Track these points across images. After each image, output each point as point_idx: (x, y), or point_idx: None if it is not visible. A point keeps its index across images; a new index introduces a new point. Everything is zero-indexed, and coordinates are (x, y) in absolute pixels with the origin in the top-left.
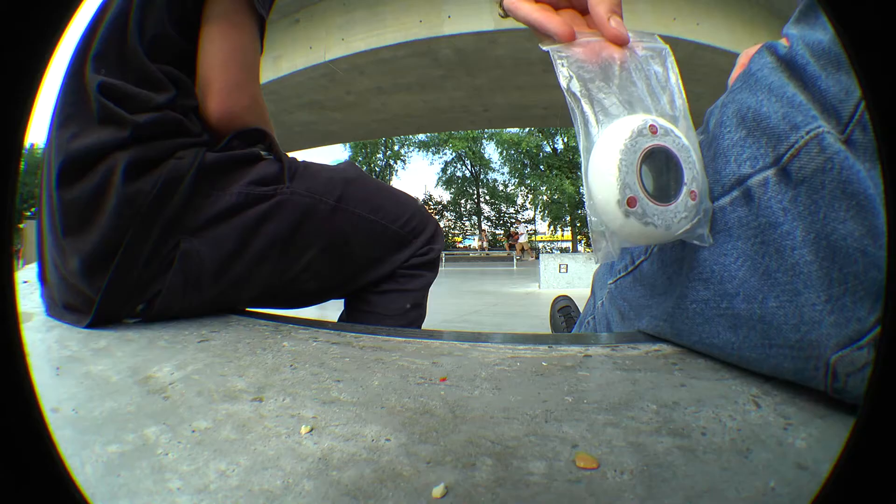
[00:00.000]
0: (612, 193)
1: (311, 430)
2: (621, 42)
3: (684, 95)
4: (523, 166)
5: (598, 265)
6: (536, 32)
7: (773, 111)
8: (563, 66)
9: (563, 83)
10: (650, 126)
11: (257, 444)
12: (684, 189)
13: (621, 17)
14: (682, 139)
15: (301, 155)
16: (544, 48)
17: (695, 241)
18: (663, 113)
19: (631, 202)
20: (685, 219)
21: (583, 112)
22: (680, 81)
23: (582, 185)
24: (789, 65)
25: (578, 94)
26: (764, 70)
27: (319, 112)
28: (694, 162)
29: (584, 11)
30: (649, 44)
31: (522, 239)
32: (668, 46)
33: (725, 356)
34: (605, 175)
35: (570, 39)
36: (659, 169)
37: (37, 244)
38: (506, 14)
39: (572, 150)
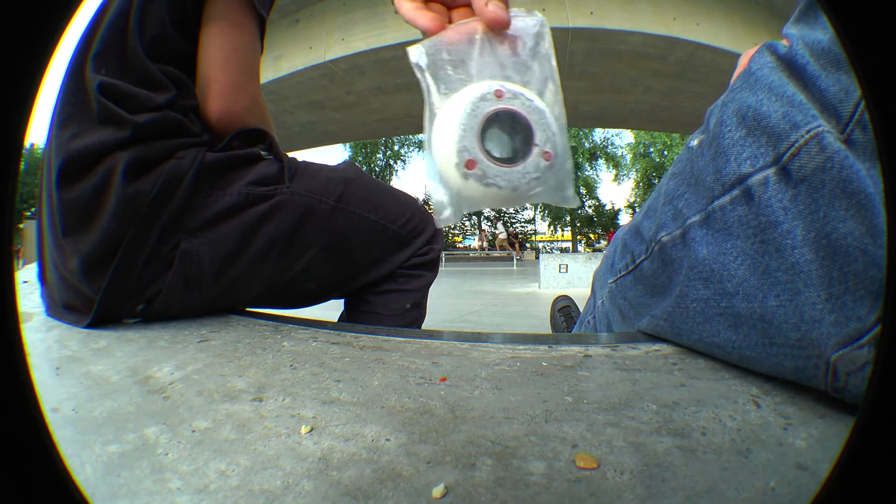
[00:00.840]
0: (451, 157)
1: (311, 430)
2: (501, 26)
3: (555, 64)
4: None
5: (599, 265)
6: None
7: (773, 110)
8: (415, 48)
9: (412, 59)
10: (496, 91)
11: (257, 444)
12: (535, 150)
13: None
14: (535, 102)
15: (301, 155)
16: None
17: (559, 203)
18: (528, 81)
19: (469, 164)
20: (536, 179)
21: (427, 84)
22: (552, 50)
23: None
24: (789, 64)
25: (424, 66)
26: (764, 69)
27: (319, 112)
28: (549, 123)
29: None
30: (524, 18)
31: (502, 236)
32: (545, 18)
33: (725, 355)
34: (444, 140)
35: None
36: (510, 132)
37: (37, 244)
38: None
39: (572, 150)
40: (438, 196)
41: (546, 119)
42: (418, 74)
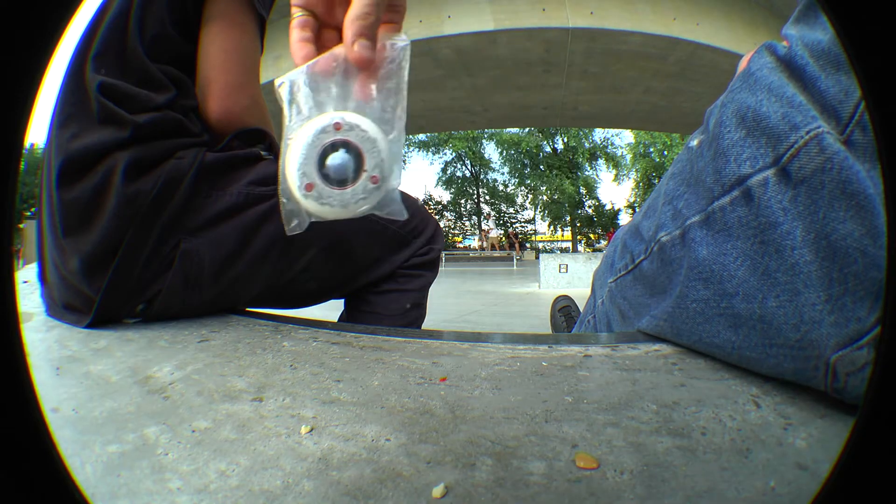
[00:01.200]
0: (294, 180)
1: (311, 430)
2: (364, 65)
3: (405, 93)
4: (523, 166)
5: (599, 264)
6: None
7: (773, 111)
8: (281, 80)
9: (277, 90)
10: (335, 124)
11: (257, 444)
12: (364, 175)
13: (371, 37)
14: (369, 133)
15: None
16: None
17: (387, 215)
18: (375, 111)
19: (308, 187)
20: (364, 199)
21: (286, 114)
22: (406, 77)
23: (581, 185)
24: (789, 65)
25: (285, 97)
26: (763, 70)
27: None
28: (379, 151)
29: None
30: (391, 44)
31: (493, 234)
32: (408, 43)
33: (725, 356)
34: (290, 166)
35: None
36: (347, 157)
37: (37, 244)
38: None
39: (572, 150)
40: (288, 210)
41: (377, 147)
42: (281, 105)
